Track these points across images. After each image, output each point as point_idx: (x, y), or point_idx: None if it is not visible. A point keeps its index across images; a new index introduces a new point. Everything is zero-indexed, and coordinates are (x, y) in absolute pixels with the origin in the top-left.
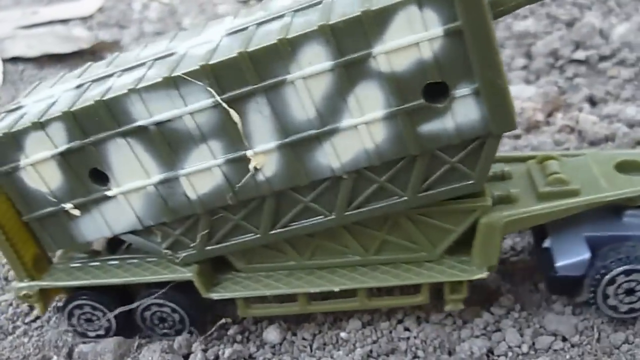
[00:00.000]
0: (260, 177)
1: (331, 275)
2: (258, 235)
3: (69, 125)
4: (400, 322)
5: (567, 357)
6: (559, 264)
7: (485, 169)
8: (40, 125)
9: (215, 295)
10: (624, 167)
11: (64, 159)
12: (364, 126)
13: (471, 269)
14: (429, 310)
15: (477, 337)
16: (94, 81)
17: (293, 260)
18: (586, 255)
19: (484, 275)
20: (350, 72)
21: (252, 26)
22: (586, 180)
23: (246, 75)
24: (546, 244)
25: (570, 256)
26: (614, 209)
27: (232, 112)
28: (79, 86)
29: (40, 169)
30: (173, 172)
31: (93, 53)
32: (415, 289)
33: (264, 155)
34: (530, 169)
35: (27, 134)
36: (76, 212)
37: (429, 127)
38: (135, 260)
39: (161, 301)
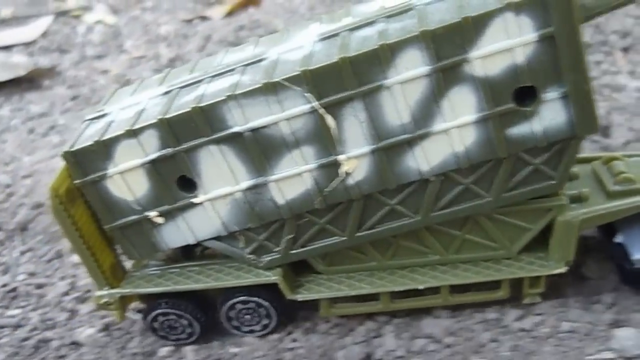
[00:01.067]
0: (350, 181)
1: (412, 274)
2: (344, 238)
3: (162, 133)
4: (290, 333)
5: (439, 357)
6: (636, 257)
7: (567, 170)
8: (133, 133)
9: (300, 297)
10: None
11: (154, 167)
12: (456, 130)
13: (549, 264)
14: (317, 320)
15: (357, 343)
16: (182, 88)
17: (374, 261)
18: None
19: (563, 269)
20: (445, 77)
21: (344, 32)
22: None
23: (345, 81)
24: (618, 239)
25: None
26: None
27: (328, 117)
28: (166, 93)
29: (127, 178)
30: (263, 178)
31: (30, 80)
32: (496, 285)
33: (356, 160)
34: (596, 169)
35: (119, 142)
36: (160, 220)
37: (517, 130)
38: (215, 266)
39: (251, 298)
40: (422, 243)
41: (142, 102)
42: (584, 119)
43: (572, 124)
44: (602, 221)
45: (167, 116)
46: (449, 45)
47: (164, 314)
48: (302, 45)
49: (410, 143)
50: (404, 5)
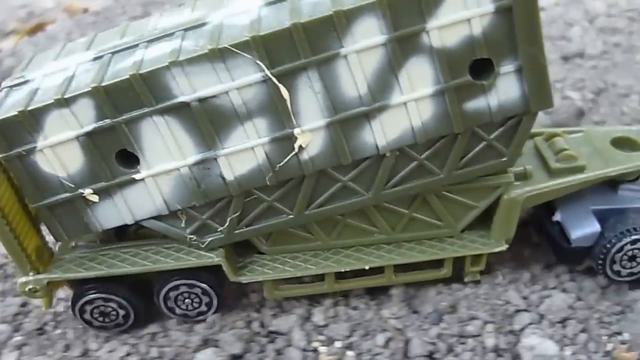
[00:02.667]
0: (304, 156)
1: (357, 254)
2: (291, 217)
3: (99, 102)
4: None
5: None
6: (574, 236)
7: (519, 146)
8: (65, 102)
9: (244, 279)
10: (618, 143)
11: (90, 139)
12: (413, 103)
13: (491, 242)
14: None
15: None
16: (114, 53)
17: (319, 241)
18: (597, 227)
19: (504, 247)
20: (402, 47)
21: None
22: (589, 156)
23: (299, 48)
24: (556, 217)
25: (584, 229)
26: (610, 184)
27: (281, 87)
28: (97, 58)
29: (59, 151)
30: (212, 152)
31: None
32: (439, 264)
33: (310, 134)
34: (538, 145)
35: (48, 112)
36: (95, 198)
37: (474, 104)
38: (151, 247)
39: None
40: (369, 222)
41: (70, 67)
42: (539, 93)
43: (526, 99)
44: (545, 199)
45: (103, 84)
46: (406, 14)
47: (92, 301)
48: (247, 10)
49: (367, 116)
50: None
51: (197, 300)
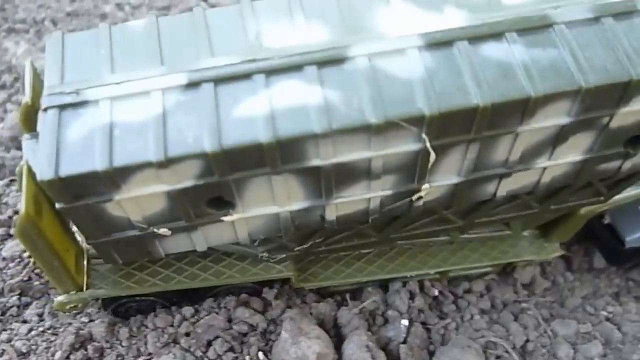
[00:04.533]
0: (419, 202)
1: (421, 256)
2: (375, 239)
3: (210, 164)
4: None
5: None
6: (629, 237)
7: (620, 191)
8: (167, 164)
9: (309, 286)
10: None
11: (183, 192)
12: (553, 166)
13: (547, 246)
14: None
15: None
16: (217, 81)
17: (383, 244)
18: None
19: (560, 253)
20: (579, 126)
21: (461, 42)
22: None
23: (474, 127)
24: (607, 220)
25: (637, 230)
26: None
27: (432, 155)
28: (191, 85)
29: (139, 202)
30: (321, 202)
31: None
32: None
33: (433, 189)
34: None
35: (140, 171)
36: (167, 233)
37: (608, 165)
38: (207, 260)
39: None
40: (440, 229)
41: (152, 94)
42: None
43: None
44: (604, 209)
45: (224, 147)
46: (605, 100)
47: (125, 304)
48: (403, 49)
49: (502, 176)
50: (538, 18)
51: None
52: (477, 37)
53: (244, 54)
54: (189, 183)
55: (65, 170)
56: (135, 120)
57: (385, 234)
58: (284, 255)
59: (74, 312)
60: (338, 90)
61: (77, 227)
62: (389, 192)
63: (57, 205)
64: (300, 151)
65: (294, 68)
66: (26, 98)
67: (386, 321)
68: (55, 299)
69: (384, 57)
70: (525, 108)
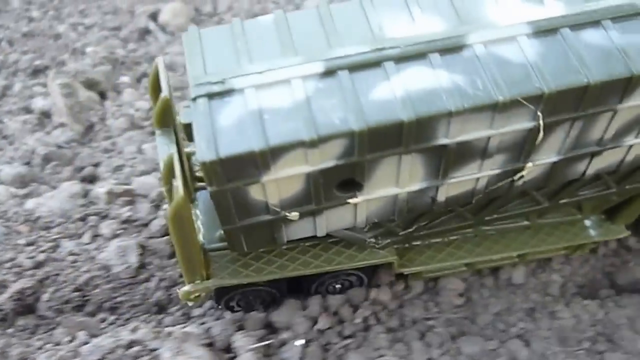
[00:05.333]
0: (518, 182)
1: (503, 240)
2: (471, 222)
3: (354, 143)
4: None
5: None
6: None
7: None
8: (317, 142)
9: (407, 271)
10: None
11: (321, 173)
12: (639, 145)
13: (615, 228)
14: None
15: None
16: (351, 69)
17: (469, 229)
18: None
19: (628, 233)
20: None
21: (564, 29)
22: None
23: (582, 104)
24: None
25: None
26: None
27: (541, 134)
28: (328, 73)
29: (281, 183)
30: (437, 182)
31: None
32: None
33: (534, 168)
34: None
35: (291, 150)
36: (296, 218)
37: None
38: (313, 244)
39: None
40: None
41: (293, 82)
42: None
43: None
44: None
45: (369, 124)
46: None
47: (242, 294)
48: (514, 37)
49: (594, 154)
50: (629, 7)
51: (348, 284)
52: (577, 24)
53: (372, 43)
54: (330, 164)
55: (225, 152)
56: (281, 106)
57: (480, 216)
58: (388, 241)
59: (197, 302)
60: (462, 74)
61: (219, 211)
62: (497, 171)
63: (211, 189)
64: (433, 130)
65: (419, 56)
66: (164, 93)
67: (283, 343)
68: (180, 289)
69: (498, 44)
70: (627, 86)
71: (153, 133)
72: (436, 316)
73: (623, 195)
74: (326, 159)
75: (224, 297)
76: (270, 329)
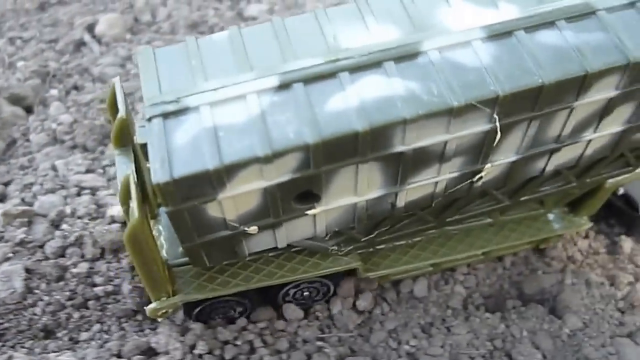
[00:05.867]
0: (477, 183)
1: (467, 239)
2: (433, 224)
3: (307, 155)
4: None
5: None
6: None
7: None
8: (272, 158)
9: (372, 275)
10: None
11: (278, 187)
12: (598, 138)
13: (577, 220)
14: None
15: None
16: (306, 81)
17: (432, 230)
18: None
19: (590, 224)
20: (624, 98)
21: (518, 31)
22: None
23: (539, 104)
24: (621, 191)
25: None
26: None
27: (498, 135)
28: (283, 87)
29: (237, 200)
30: (396, 188)
31: None
32: None
33: (492, 168)
34: None
35: (247, 167)
36: (255, 231)
37: None
38: (277, 254)
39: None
40: (483, 209)
41: (248, 97)
42: None
43: None
44: (631, 181)
45: (324, 136)
46: None
47: (210, 305)
48: (468, 41)
49: (553, 151)
50: (582, 6)
51: (315, 291)
52: (531, 26)
53: (326, 55)
54: (286, 177)
55: (179, 172)
56: (236, 122)
57: (442, 218)
58: (351, 247)
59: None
60: (417, 81)
61: (177, 230)
62: (455, 174)
63: (167, 209)
64: (388, 138)
65: (373, 65)
66: (121, 113)
67: None
68: (147, 308)
69: (452, 50)
70: (582, 83)
71: (74, 147)
72: (330, 336)
73: (584, 188)
74: (282, 173)
75: (192, 310)
76: (150, 352)
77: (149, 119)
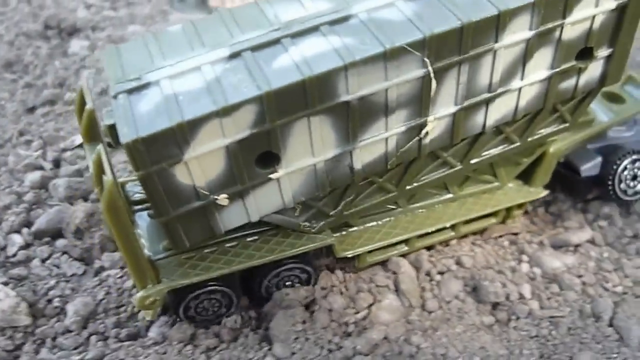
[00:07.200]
0: (425, 140)
1: (434, 215)
2: (395, 193)
3: (263, 108)
4: None
5: None
6: (583, 167)
7: (580, 115)
8: (230, 110)
9: (348, 254)
10: (608, 97)
11: (239, 145)
12: (526, 87)
13: (536, 190)
14: None
15: None
16: (253, 49)
17: (400, 207)
18: (599, 158)
19: (547, 192)
20: (540, 40)
21: None
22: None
23: (463, 45)
24: (562, 159)
25: (589, 161)
26: None
27: (433, 82)
28: (233, 56)
29: (203, 161)
30: (349, 146)
31: None
32: (490, 214)
33: (437, 121)
34: None
35: (207, 122)
36: (225, 202)
37: (566, 84)
38: (254, 239)
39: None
40: (442, 184)
41: (203, 68)
42: (616, 73)
43: (602, 78)
44: (572, 149)
45: (274, 87)
46: (554, 11)
47: (196, 297)
48: (391, 3)
49: (488, 102)
50: None
51: (296, 279)
52: None
53: (270, 27)
54: (245, 133)
55: (145, 131)
56: (194, 88)
57: (402, 186)
58: (322, 223)
59: (152, 309)
60: (351, 37)
61: (151, 200)
62: (402, 129)
63: (137, 174)
64: (333, 87)
65: (311, 29)
66: (89, 105)
67: None
68: (134, 298)
69: (379, 10)
70: (497, 23)
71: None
72: None
73: (529, 153)
74: (240, 128)
75: (180, 305)
76: None
77: (115, 96)
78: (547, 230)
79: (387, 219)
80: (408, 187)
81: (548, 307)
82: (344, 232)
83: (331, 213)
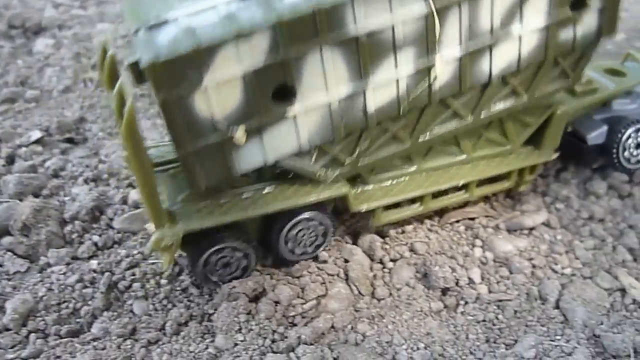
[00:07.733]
0: (435, 86)
1: (448, 174)
2: (408, 144)
3: (277, 37)
4: None
5: None
6: (589, 136)
7: (582, 70)
8: (245, 35)
9: (364, 207)
10: (609, 72)
11: (255, 76)
12: (527, 35)
13: (546, 152)
14: None
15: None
16: None
17: (415, 165)
18: (605, 127)
19: (556, 155)
20: None
21: None
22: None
23: None
24: (569, 129)
25: (595, 130)
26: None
27: (436, 19)
28: None
29: (221, 90)
30: (361, 85)
31: None
32: (502, 177)
33: (443, 65)
34: None
35: (223, 48)
36: (243, 140)
37: (564, 35)
38: (270, 187)
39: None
40: (456, 144)
41: (218, 6)
42: (611, 24)
43: (599, 30)
44: (580, 114)
45: (286, 18)
46: None
47: (218, 251)
48: None
49: (491, 47)
50: None
51: (313, 235)
52: None
53: None
54: (260, 62)
55: (165, 55)
56: (210, 21)
57: (415, 135)
58: (337, 172)
59: (168, 253)
60: None
61: (171, 131)
62: (412, 70)
63: (159, 98)
64: (341, 17)
65: None
66: (111, 52)
67: None
68: (150, 241)
69: None
70: None
71: None
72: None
73: (536, 114)
74: (256, 56)
75: (199, 258)
76: None
77: (135, 32)
78: (504, 214)
79: (402, 178)
80: (421, 139)
81: (496, 291)
82: (359, 190)
83: (346, 161)
